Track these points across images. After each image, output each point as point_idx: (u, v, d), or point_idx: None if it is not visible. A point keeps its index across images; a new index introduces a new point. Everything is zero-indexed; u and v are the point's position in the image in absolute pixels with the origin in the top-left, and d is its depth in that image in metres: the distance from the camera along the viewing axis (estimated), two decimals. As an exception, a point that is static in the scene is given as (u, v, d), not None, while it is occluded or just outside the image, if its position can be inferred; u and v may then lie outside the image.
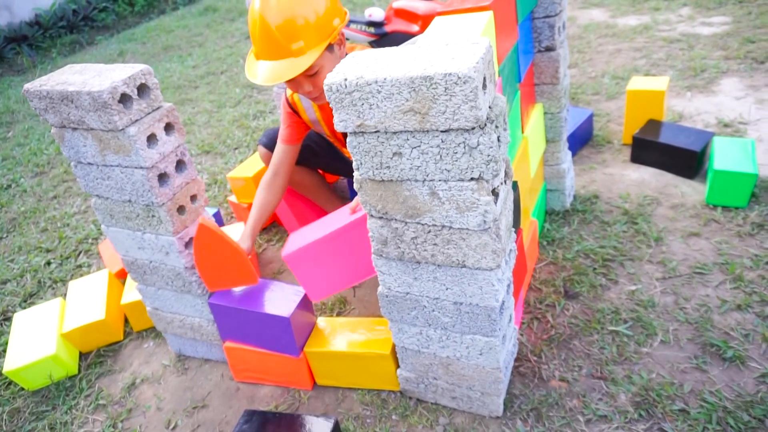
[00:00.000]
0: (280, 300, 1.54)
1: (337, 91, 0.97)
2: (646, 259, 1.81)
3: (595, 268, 1.80)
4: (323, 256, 1.46)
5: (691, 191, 2.07)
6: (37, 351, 1.79)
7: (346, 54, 1.59)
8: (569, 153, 2.08)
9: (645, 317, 1.60)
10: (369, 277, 1.48)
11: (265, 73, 1.45)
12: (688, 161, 2.12)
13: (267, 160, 1.99)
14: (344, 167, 2.08)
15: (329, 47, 1.48)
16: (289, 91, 1.77)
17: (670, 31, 3.48)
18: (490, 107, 0.96)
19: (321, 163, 2.08)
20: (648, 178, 2.19)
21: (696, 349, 1.49)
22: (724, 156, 1.96)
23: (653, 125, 2.29)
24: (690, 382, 1.41)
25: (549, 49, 1.76)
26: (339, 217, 1.48)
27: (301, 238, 1.51)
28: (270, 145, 1.94)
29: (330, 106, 0.99)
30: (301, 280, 1.51)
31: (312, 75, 1.49)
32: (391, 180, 1.06)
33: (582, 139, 2.46)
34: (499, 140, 0.97)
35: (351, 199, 2.34)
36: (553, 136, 1.94)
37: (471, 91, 0.87)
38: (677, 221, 1.94)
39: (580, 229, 1.99)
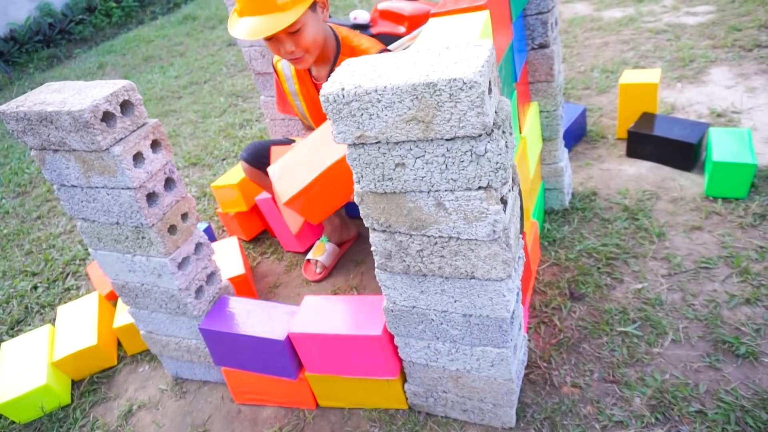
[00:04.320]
0: (274, 321, 1.47)
1: (335, 101, 0.92)
2: (650, 256, 1.77)
3: (599, 268, 1.77)
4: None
5: (689, 184, 2.05)
6: (27, 382, 1.71)
7: (329, 18, 1.65)
8: (566, 150, 2.05)
9: (653, 316, 1.57)
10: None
11: (249, 28, 1.45)
12: (684, 153, 2.10)
13: (252, 176, 1.94)
14: None
15: (312, 5, 1.50)
16: (275, 58, 1.77)
17: (656, 22, 3.47)
18: (496, 112, 0.91)
19: None
20: (645, 172, 2.17)
21: (708, 347, 1.46)
22: (721, 147, 1.94)
23: (647, 118, 2.26)
24: (705, 382, 1.38)
25: (542, 46, 1.73)
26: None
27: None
28: (252, 161, 1.89)
29: (322, 106, 0.94)
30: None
31: (294, 32, 1.50)
32: (394, 192, 1.01)
33: (576, 135, 2.43)
34: (506, 146, 0.93)
35: (348, 212, 2.29)
36: (549, 135, 1.90)
37: (477, 97, 0.83)
38: (678, 215, 1.91)
39: (581, 227, 1.96)
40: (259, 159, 1.90)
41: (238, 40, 2.40)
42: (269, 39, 1.50)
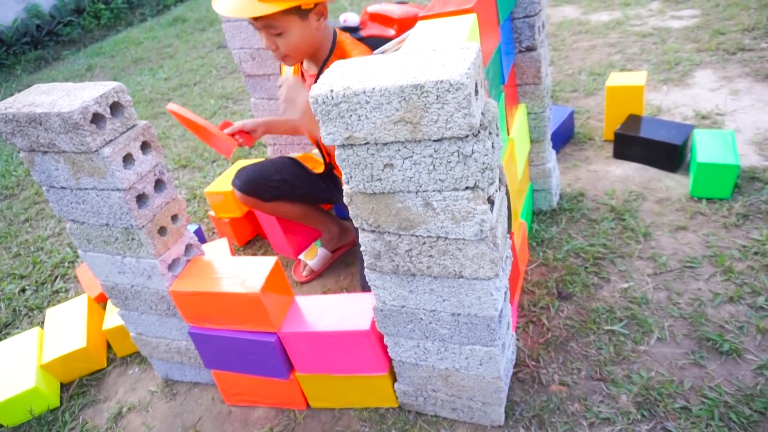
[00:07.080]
0: None
1: (323, 103, 0.93)
2: (636, 256, 1.80)
3: (586, 267, 1.79)
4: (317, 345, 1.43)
5: (675, 185, 2.08)
6: (15, 385, 1.70)
7: (334, 32, 1.65)
8: (554, 152, 2.07)
9: (639, 315, 1.60)
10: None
11: (226, 2, 1.43)
12: (670, 155, 2.13)
13: (247, 202, 1.92)
14: (324, 196, 2.02)
15: (300, 12, 1.46)
16: None
17: (642, 25, 3.52)
18: (482, 113, 0.93)
19: (299, 196, 2.00)
20: (632, 173, 2.20)
21: (692, 345, 1.49)
22: (705, 148, 1.98)
23: (634, 120, 2.30)
24: (689, 379, 1.40)
25: (530, 49, 1.75)
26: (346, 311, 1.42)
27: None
28: (246, 189, 1.88)
29: (317, 117, 0.95)
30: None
31: (276, 34, 1.48)
32: (383, 192, 1.02)
33: (564, 137, 2.46)
34: (493, 147, 0.94)
35: (338, 213, 2.29)
36: (537, 136, 1.92)
37: (464, 98, 0.84)
38: (664, 215, 1.94)
39: (569, 228, 1.98)
40: (252, 186, 1.88)
41: (228, 42, 2.40)
42: (258, 29, 1.49)
